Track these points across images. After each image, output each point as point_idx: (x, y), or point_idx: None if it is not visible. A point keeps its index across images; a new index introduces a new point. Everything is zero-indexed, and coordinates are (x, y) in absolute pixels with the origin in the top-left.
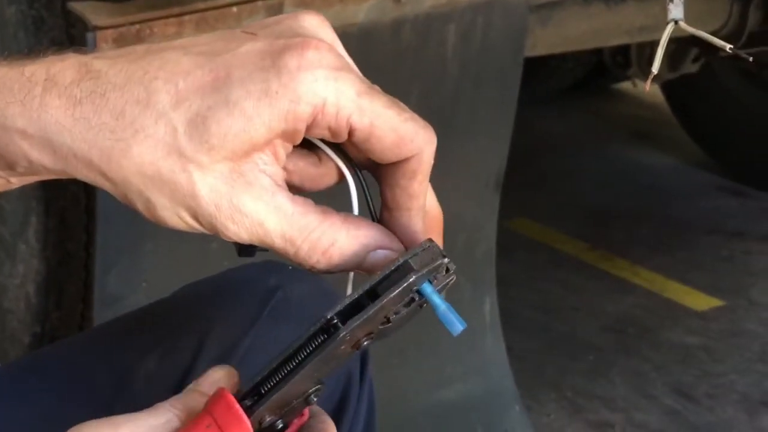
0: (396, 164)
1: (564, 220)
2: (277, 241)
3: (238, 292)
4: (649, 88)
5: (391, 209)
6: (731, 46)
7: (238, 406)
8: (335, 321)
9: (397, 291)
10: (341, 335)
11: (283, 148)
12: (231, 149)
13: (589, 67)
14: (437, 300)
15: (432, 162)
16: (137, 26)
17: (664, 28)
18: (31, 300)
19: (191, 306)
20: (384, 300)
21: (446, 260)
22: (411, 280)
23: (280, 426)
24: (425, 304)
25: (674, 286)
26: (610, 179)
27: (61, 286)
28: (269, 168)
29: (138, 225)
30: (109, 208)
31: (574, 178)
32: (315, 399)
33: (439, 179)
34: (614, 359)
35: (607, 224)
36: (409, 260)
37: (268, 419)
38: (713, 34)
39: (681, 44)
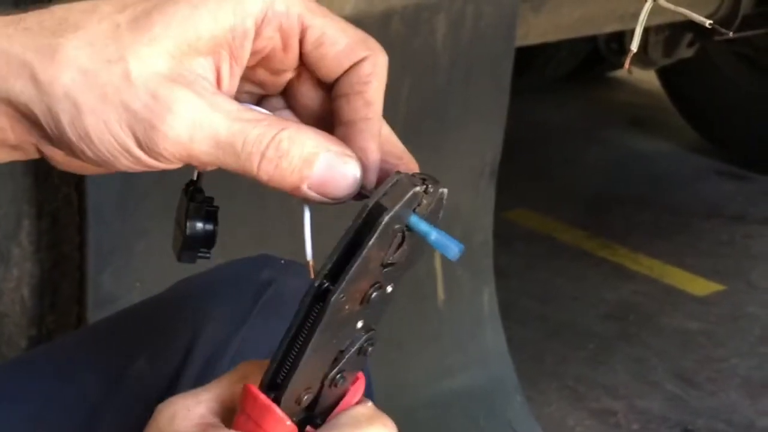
0: (349, 71)
1: (562, 209)
2: (220, 140)
3: (230, 288)
4: (629, 69)
5: (347, 123)
6: (710, 21)
7: (263, 396)
8: (326, 284)
9: (374, 238)
10: (332, 300)
11: (228, 67)
12: (173, 41)
13: (584, 55)
14: (426, 228)
15: (386, 72)
16: None
17: (658, 13)
18: (26, 303)
19: (183, 303)
20: (364, 251)
21: (419, 188)
22: (385, 220)
23: (340, 382)
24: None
25: (674, 272)
26: (608, 167)
27: (56, 288)
28: (210, 76)
29: (130, 224)
30: (101, 209)
31: (572, 167)
32: (371, 347)
33: (433, 170)
34: (615, 347)
35: (606, 212)
36: (380, 200)
37: (306, 396)
38: (707, 17)
39: (676, 29)
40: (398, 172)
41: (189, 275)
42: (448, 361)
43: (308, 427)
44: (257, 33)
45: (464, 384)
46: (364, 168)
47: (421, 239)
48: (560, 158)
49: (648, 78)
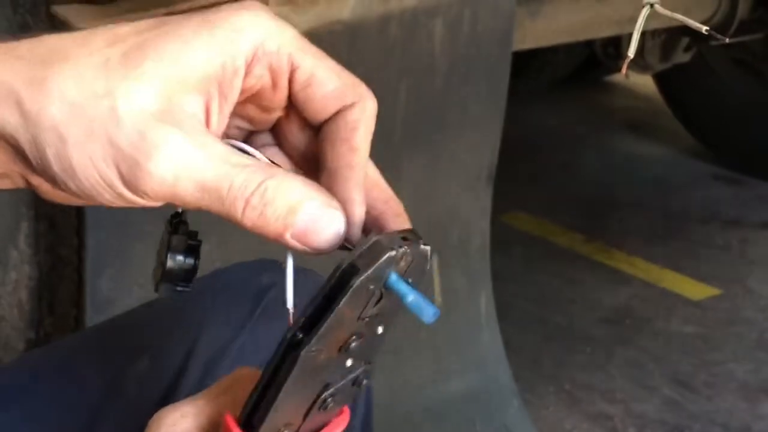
0: (336, 116)
1: (559, 213)
2: (206, 183)
3: (230, 292)
4: (626, 73)
5: (331, 169)
6: (707, 28)
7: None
8: (299, 336)
9: (344, 300)
10: (303, 354)
11: (217, 104)
12: (163, 77)
13: (581, 60)
14: (403, 289)
15: (374, 119)
16: None
17: (653, 18)
18: (24, 306)
19: (183, 306)
20: (334, 311)
21: (395, 252)
22: (356, 284)
23: (329, 406)
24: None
25: (671, 276)
26: (605, 171)
27: (54, 291)
28: (199, 113)
29: (128, 228)
30: (99, 212)
31: (569, 171)
32: (365, 381)
33: (431, 174)
34: (612, 350)
35: (603, 216)
36: (355, 261)
37: (284, 429)
38: (704, 23)
39: (672, 34)
40: (380, 233)
41: None
42: (445, 365)
43: None
44: (247, 71)
45: (461, 387)
46: (348, 221)
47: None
48: (557, 162)
49: (644, 82)
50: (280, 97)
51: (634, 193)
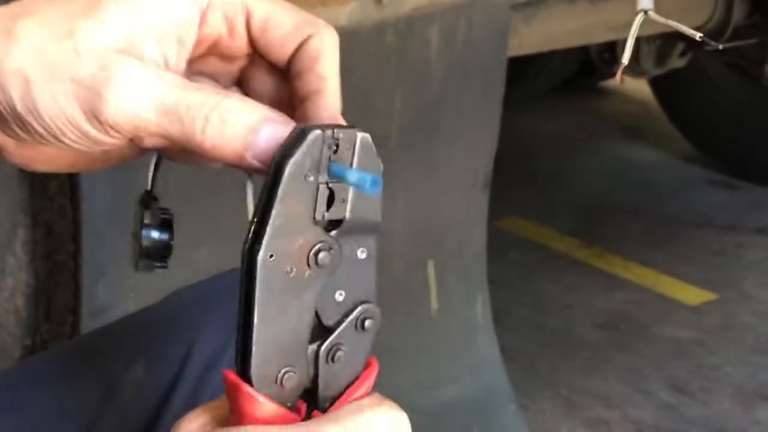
0: (299, 51)
1: (555, 218)
2: (165, 105)
3: (226, 298)
4: (621, 79)
5: (303, 99)
6: (701, 35)
7: (232, 375)
8: (256, 247)
9: (281, 188)
10: (260, 258)
11: (174, 52)
12: (122, 25)
13: (576, 66)
14: (339, 170)
15: (336, 48)
16: None
17: (648, 23)
18: (21, 313)
19: (179, 313)
20: (275, 203)
21: (321, 131)
22: (288, 166)
23: (340, 360)
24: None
25: (666, 281)
26: (601, 176)
27: (51, 297)
28: (158, 59)
29: (125, 234)
30: (95, 219)
31: (565, 176)
32: (368, 322)
33: (427, 180)
34: (608, 356)
35: (599, 221)
36: (286, 150)
37: (287, 375)
38: (698, 28)
39: (667, 39)
40: (305, 126)
41: (186, 284)
42: (442, 371)
43: (315, 411)
44: (202, 20)
45: (458, 393)
46: None
47: (372, 199)
48: (553, 168)
49: (640, 88)
50: (240, 45)
51: (630, 198)
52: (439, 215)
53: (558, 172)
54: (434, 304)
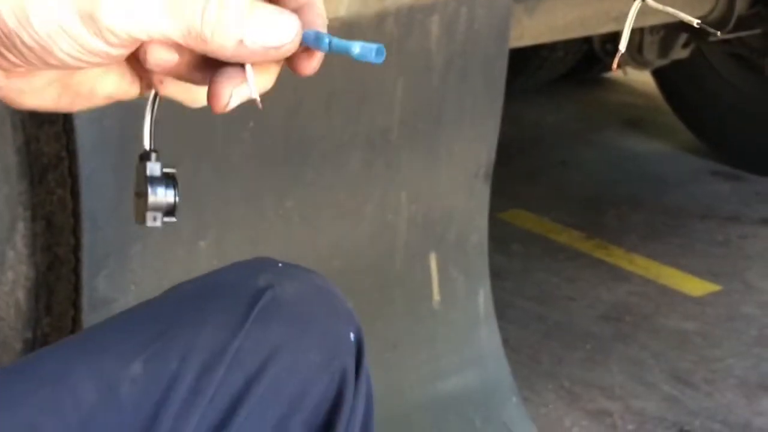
0: None
1: (558, 210)
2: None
3: (226, 293)
4: (618, 68)
5: (295, 9)
6: (698, 21)
7: None
8: None
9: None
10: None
11: None
12: None
13: (579, 57)
14: (342, 45)
15: None
16: None
17: (650, 13)
18: (22, 306)
19: (178, 308)
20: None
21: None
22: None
23: None
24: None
25: (670, 273)
26: (604, 168)
27: (51, 291)
28: None
29: (125, 228)
30: (96, 212)
31: (568, 168)
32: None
33: (428, 172)
34: (611, 347)
35: (602, 213)
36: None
37: None
38: (701, 18)
39: (670, 30)
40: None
41: (185, 279)
42: (444, 363)
43: None
44: None
45: (460, 385)
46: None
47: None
48: (556, 159)
49: (643, 79)
50: None
51: (633, 189)
52: (440, 206)
53: (561, 164)
54: (436, 296)
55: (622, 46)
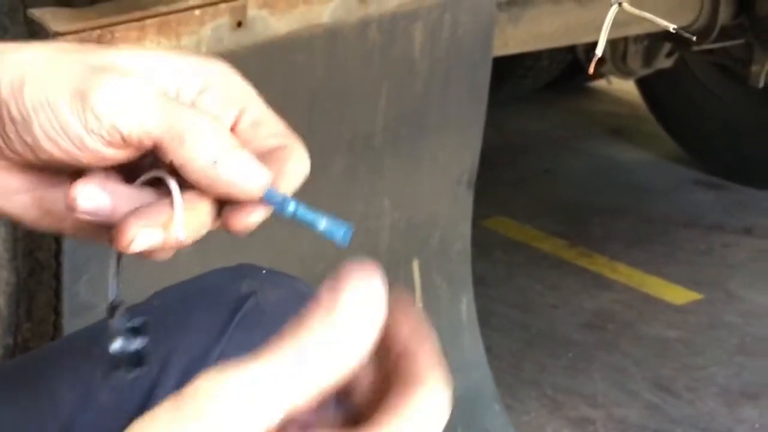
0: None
1: (542, 218)
2: (155, 103)
3: (208, 300)
4: (594, 73)
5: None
6: (675, 26)
7: None
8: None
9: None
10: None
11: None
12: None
13: (563, 66)
14: (311, 217)
15: (305, 165)
16: (98, 32)
17: (634, 23)
18: (2, 312)
19: (160, 314)
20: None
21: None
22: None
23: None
24: None
25: (652, 281)
26: (587, 176)
27: (32, 296)
28: None
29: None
30: None
31: (551, 176)
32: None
33: (411, 178)
34: (594, 355)
35: (585, 221)
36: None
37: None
38: (684, 28)
39: (654, 39)
40: None
41: (167, 285)
42: None
43: None
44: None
45: None
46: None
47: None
48: (540, 167)
49: (627, 88)
50: None
51: (617, 198)
52: (423, 213)
53: (545, 172)
54: (418, 303)
55: (599, 50)
